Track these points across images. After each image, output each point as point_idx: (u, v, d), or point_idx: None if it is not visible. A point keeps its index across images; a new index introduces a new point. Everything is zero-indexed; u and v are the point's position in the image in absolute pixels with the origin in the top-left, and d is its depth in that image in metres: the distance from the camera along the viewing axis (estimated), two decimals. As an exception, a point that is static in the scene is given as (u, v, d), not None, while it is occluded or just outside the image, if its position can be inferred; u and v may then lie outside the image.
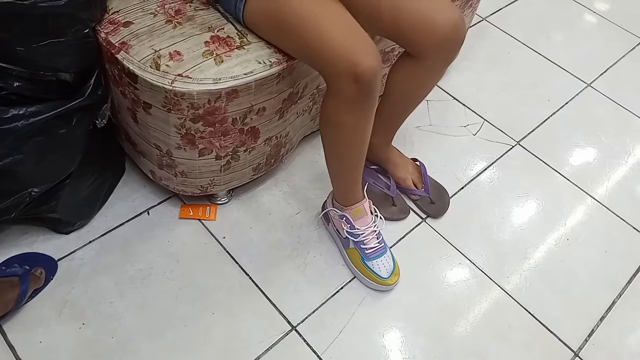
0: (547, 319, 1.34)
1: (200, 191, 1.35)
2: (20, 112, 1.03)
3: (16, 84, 1.03)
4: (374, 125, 1.19)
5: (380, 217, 1.35)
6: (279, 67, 1.15)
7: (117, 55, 1.11)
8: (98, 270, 1.28)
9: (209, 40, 1.14)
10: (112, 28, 1.14)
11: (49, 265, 1.26)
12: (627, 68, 2.04)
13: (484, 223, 1.51)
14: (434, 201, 1.50)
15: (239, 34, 1.17)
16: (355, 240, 1.31)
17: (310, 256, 1.37)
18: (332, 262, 1.37)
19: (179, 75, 1.09)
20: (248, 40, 1.16)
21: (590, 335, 1.33)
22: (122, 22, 1.15)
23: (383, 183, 1.49)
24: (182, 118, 1.13)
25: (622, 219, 1.57)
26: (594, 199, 1.61)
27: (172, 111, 1.12)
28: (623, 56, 2.08)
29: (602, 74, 1.99)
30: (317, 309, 1.29)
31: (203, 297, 1.27)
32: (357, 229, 1.30)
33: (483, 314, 1.33)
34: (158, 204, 1.42)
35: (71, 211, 1.29)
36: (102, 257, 1.30)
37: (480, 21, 2.11)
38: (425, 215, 1.50)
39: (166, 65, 1.09)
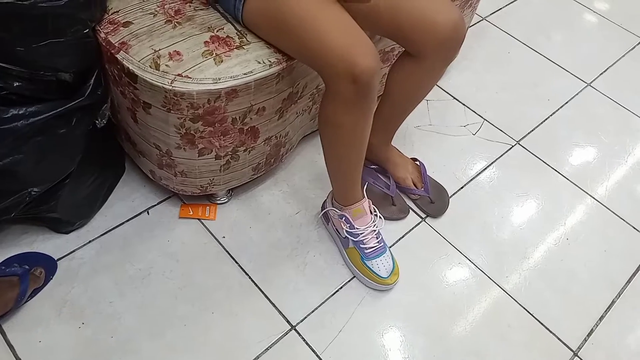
0: (546, 319, 1.34)
1: (200, 191, 1.35)
2: (20, 112, 1.03)
3: (16, 84, 1.03)
4: (373, 124, 1.19)
5: (380, 217, 1.35)
6: (279, 67, 1.15)
7: (117, 55, 1.11)
8: (98, 270, 1.28)
9: (209, 40, 1.14)
10: (111, 28, 1.14)
11: (49, 265, 1.26)
12: (627, 68, 2.04)
13: (484, 223, 1.51)
14: (433, 201, 1.50)
15: (239, 34, 1.17)
16: (354, 239, 1.32)
17: (309, 256, 1.37)
18: (332, 262, 1.37)
19: (179, 75, 1.09)
20: (248, 40, 1.16)
21: (589, 334, 1.33)
22: (122, 22, 1.15)
23: (383, 183, 1.49)
24: (181, 118, 1.13)
25: (621, 218, 1.57)
26: (594, 198, 1.61)
27: (171, 111, 1.12)
28: (623, 56, 2.08)
29: (602, 74, 1.99)
30: (316, 308, 1.29)
31: (203, 296, 1.27)
32: (357, 228, 1.30)
33: (482, 313, 1.33)
34: (158, 203, 1.42)
35: (71, 211, 1.29)
36: (101, 256, 1.31)
37: (480, 21, 2.11)
38: (425, 215, 1.50)
39: (166, 65, 1.09)
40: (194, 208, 1.41)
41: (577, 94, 1.90)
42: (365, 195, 1.31)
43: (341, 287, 1.33)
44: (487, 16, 2.14)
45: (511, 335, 1.31)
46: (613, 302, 1.40)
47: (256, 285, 1.31)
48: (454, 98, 1.82)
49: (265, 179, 1.50)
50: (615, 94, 1.92)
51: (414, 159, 1.54)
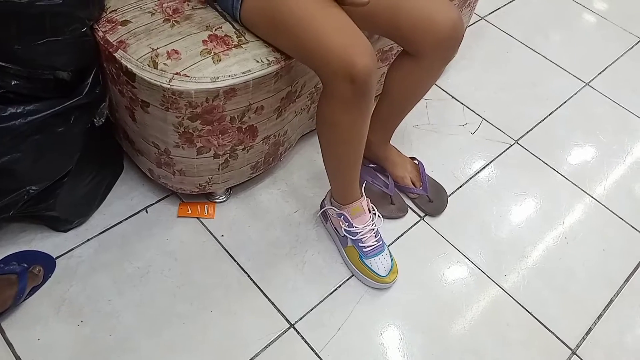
0: (545, 317, 1.34)
1: (198, 189, 1.35)
2: (18, 111, 1.03)
3: (14, 82, 1.03)
4: (372, 123, 1.19)
5: (379, 216, 1.35)
6: (277, 66, 1.15)
7: (115, 54, 1.11)
8: (96, 268, 1.28)
9: (207, 39, 1.14)
10: (109, 27, 1.14)
11: (47, 263, 1.26)
12: (625, 67, 2.04)
13: (482, 221, 1.51)
14: (432, 200, 1.50)
15: (237, 32, 1.17)
16: (353, 238, 1.32)
17: (308, 254, 1.37)
18: (330, 260, 1.37)
19: (177, 73, 1.09)
20: (246, 39, 1.16)
21: (588, 333, 1.34)
22: (120, 20, 1.15)
23: (381, 181, 1.49)
24: (180, 117, 1.13)
25: (620, 217, 1.58)
26: (592, 197, 1.61)
27: (170, 110, 1.12)
28: (621, 55, 2.08)
29: (600, 73, 1.99)
30: (315, 306, 1.29)
31: (201, 295, 1.27)
32: (355, 227, 1.30)
33: (481, 312, 1.34)
34: (156, 202, 1.42)
35: (69, 209, 1.29)
36: (100, 255, 1.31)
37: (478, 20, 2.12)
38: (424, 214, 1.50)
39: (164, 63, 1.10)
40: (192, 207, 1.41)
41: (575, 94, 1.91)
42: (364, 194, 1.31)
43: (340, 286, 1.33)
44: (485, 16, 2.14)
45: (510, 333, 1.31)
46: (611, 300, 1.40)
47: (255, 284, 1.31)
48: (453, 97, 1.82)
49: (264, 177, 1.50)
50: (614, 93, 1.92)
51: (413, 158, 1.54)
